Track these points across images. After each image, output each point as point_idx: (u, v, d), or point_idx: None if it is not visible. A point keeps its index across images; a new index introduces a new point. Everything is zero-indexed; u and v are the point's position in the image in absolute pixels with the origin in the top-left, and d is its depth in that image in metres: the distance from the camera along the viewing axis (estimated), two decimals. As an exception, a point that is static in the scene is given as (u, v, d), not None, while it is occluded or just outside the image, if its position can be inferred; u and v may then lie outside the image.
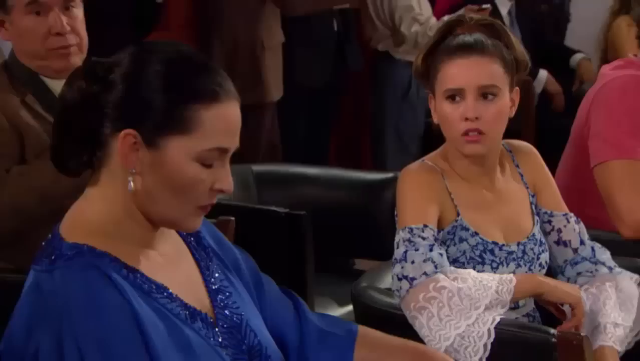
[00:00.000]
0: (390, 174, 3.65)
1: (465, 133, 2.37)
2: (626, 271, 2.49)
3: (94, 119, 1.75)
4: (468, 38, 2.40)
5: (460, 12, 2.49)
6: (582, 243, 2.52)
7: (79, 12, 2.72)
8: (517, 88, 2.44)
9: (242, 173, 3.55)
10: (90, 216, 1.77)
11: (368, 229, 3.57)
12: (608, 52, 4.56)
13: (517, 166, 2.54)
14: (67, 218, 1.79)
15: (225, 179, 1.77)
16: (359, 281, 2.52)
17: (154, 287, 1.76)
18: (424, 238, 2.29)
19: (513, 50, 2.41)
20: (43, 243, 1.77)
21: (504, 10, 5.46)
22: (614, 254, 2.65)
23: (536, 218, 2.51)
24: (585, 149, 3.11)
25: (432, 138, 5.51)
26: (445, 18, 3.09)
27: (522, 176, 2.53)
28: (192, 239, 1.91)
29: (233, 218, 2.70)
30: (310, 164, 4.00)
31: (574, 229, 2.52)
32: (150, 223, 1.79)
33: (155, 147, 1.73)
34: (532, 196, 2.53)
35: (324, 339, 1.98)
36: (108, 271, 1.70)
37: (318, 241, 3.23)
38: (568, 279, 2.49)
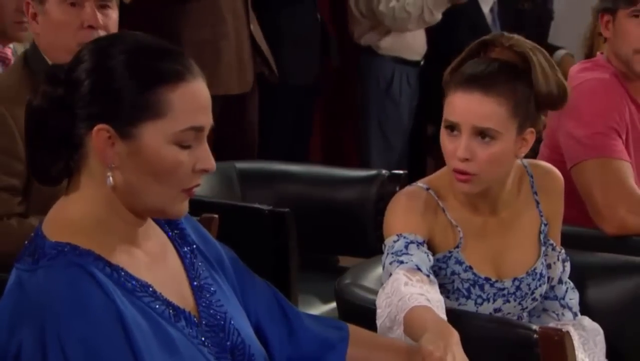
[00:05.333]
0: (373, 172, 3.65)
1: (456, 170, 2.29)
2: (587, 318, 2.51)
3: (65, 122, 1.74)
4: (482, 69, 2.28)
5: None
6: (560, 281, 2.51)
7: (113, 13, 2.72)
8: (532, 130, 2.31)
9: (225, 171, 3.56)
10: (73, 215, 1.76)
11: (352, 226, 3.57)
12: (594, 50, 4.58)
13: (536, 193, 2.45)
14: (49, 218, 1.79)
15: (205, 158, 1.77)
16: (343, 278, 2.52)
17: (137, 285, 1.75)
18: (416, 241, 2.29)
19: (537, 86, 2.27)
20: (26, 242, 1.77)
21: (485, 8, 5.46)
22: (597, 251, 2.67)
23: (543, 248, 2.45)
24: (558, 150, 3.13)
25: (423, 138, 5.58)
26: None
27: (538, 203, 2.45)
28: (176, 236, 1.91)
29: (216, 216, 2.69)
30: (293, 162, 4.01)
31: (559, 268, 2.50)
32: (136, 216, 1.79)
33: (130, 137, 1.72)
34: (545, 225, 2.46)
35: (320, 343, 1.99)
36: (91, 270, 1.69)
37: (302, 239, 3.23)
38: (532, 309, 2.49)
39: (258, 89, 4.89)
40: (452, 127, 2.30)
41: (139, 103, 1.72)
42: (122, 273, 1.74)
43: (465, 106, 2.27)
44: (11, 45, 3.64)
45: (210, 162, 1.78)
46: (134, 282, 1.75)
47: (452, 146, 2.29)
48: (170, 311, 1.79)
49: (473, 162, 2.28)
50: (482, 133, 2.27)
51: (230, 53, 4.50)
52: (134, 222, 1.80)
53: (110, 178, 1.73)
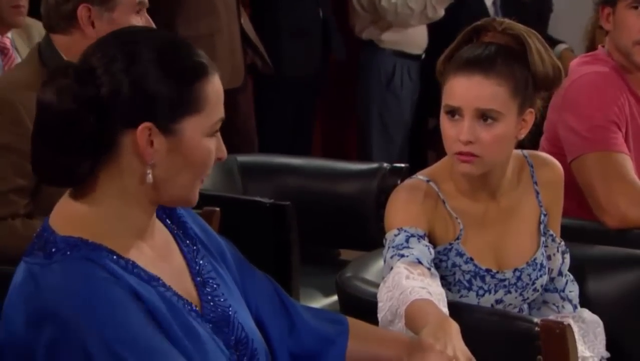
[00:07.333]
0: (374, 165, 3.65)
1: (459, 153, 2.30)
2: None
3: (97, 122, 1.71)
4: (479, 52, 2.29)
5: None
6: (560, 273, 2.52)
7: None
8: (531, 110, 2.33)
9: (226, 163, 3.55)
10: (84, 210, 1.75)
11: (353, 219, 3.57)
12: (595, 44, 4.58)
13: (536, 183, 2.46)
14: (58, 212, 1.78)
15: (222, 147, 1.82)
16: (344, 272, 2.52)
17: (150, 277, 1.76)
18: (417, 235, 2.29)
19: (534, 66, 2.28)
20: (34, 236, 1.76)
21: (488, 0, 5.47)
22: (597, 244, 2.67)
23: (542, 238, 2.46)
24: (558, 143, 3.13)
25: (424, 133, 5.58)
26: None
27: (537, 193, 2.46)
28: (178, 230, 1.91)
29: (218, 209, 2.70)
30: (294, 155, 4.01)
31: (559, 260, 2.50)
32: (154, 206, 1.80)
33: (172, 134, 1.74)
34: (544, 216, 2.46)
35: (320, 337, 1.99)
36: (105, 263, 1.70)
37: (303, 232, 3.24)
38: (532, 301, 2.49)
39: (257, 82, 4.89)
40: (453, 112, 2.30)
41: (180, 99, 1.74)
42: (135, 266, 1.75)
43: (466, 90, 2.28)
44: (9, 35, 3.63)
45: (225, 151, 1.82)
46: (146, 274, 1.76)
47: (454, 131, 2.30)
48: (182, 302, 1.80)
49: (476, 144, 2.28)
50: (484, 115, 2.27)
51: (224, 47, 4.50)
52: (149, 216, 1.81)
53: (150, 176, 1.74)
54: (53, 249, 1.71)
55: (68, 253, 1.70)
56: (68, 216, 1.76)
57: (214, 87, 1.78)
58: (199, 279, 1.87)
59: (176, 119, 1.73)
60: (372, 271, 2.53)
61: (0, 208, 2.60)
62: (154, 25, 2.73)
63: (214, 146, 1.79)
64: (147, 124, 1.71)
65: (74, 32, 2.70)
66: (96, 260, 1.70)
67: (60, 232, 1.73)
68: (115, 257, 1.73)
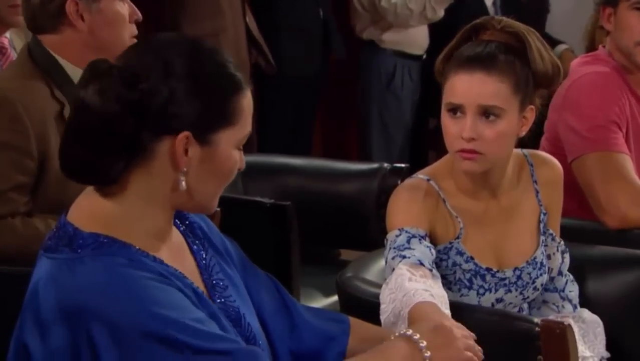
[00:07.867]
0: (375, 165, 3.65)
1: (462, 150, 2.30)
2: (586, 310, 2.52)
3: (135, 125, 1.72)
4: (480, 50, 2.30)
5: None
6: (560, 273, 2.52)
7: None
8: (531, 107, 2.34)
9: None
10: (109, 208, 1.77)
11: (353, 219, 3.57)
12: (595, 43, 4.58)
13: (535, 182, 2.46)
14: (80, 209, 1.79)
15: (243, 158, 1.85)
16: (344, 272, 2.52)
17: (175, 271, 1.78)
18: (418, 235, 2.29)
19: (534, 64, 2.29)
20: (54, 233, 1.77)
21: (488, 1, 5.48)
22: (597, 244, 2.67)
23: (542, 238, 2.46)
24: (559, 143, 3.13)
25: (425, 133, 5.57)
26: None
27: (537, 192, 2.46)
28: (187, 230, 1.93)
29: (219, 209, 2.69)
30: (295, 155, 4.01)
31: (558, 259, 2.51)
32: (175, 210, 1.82)
33: (207, 143, 1.76)
34: (544, 215, 2.47)
35: (321, 336, 2.00)
36: (136, 258, 1.72)
37: (303, 232, 3.24)
38: (532, 300, 2.50)
39: (258, 82, 4.89)
40: (455, 110, 2.30)
41: (221, 111, 1.77)
42: (162, 261, 1.77)
43: (468, 87, 2.28)
44: (7, 35, 3.62)
45: (244, 162, 1.85)
46: (172, 269, 1.78)
47: (456, 128, 2.30)
48: (205, 297, 1.83)
49: (479, 141, 2.28)
50: (486, 112, 2.28)
51: (229, 46, 4.48)
52: (170, 215, 1.83)
53: (183, 183, 1.76)
54: (81, 245, 1.72)
55: (98, 248, 1.71)
56: (92, 213, 1.77)
57: (248, 100, 1.81)
58: (208, 281, 1.89)
59: (214, 130, 1.76)
60: (372, 271, 2.53)
61: (0, 207, 2.60)
62: (138, 12, 2.73)
63: (239, 158, 1.82)
64: (186, 133, 1.74)
65: (64, 30, 2.68)
66: (126, 256, 1.72)
67: (84, 229, 1.74)
68: (144, 254, 1.75)
